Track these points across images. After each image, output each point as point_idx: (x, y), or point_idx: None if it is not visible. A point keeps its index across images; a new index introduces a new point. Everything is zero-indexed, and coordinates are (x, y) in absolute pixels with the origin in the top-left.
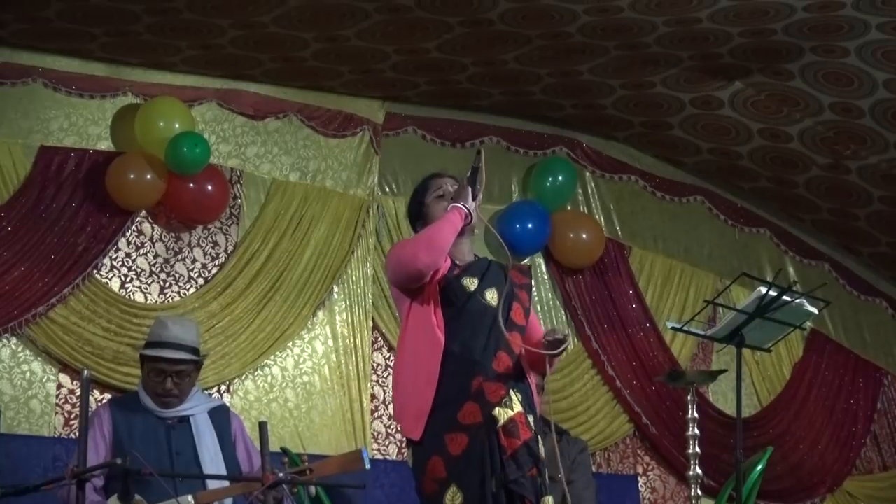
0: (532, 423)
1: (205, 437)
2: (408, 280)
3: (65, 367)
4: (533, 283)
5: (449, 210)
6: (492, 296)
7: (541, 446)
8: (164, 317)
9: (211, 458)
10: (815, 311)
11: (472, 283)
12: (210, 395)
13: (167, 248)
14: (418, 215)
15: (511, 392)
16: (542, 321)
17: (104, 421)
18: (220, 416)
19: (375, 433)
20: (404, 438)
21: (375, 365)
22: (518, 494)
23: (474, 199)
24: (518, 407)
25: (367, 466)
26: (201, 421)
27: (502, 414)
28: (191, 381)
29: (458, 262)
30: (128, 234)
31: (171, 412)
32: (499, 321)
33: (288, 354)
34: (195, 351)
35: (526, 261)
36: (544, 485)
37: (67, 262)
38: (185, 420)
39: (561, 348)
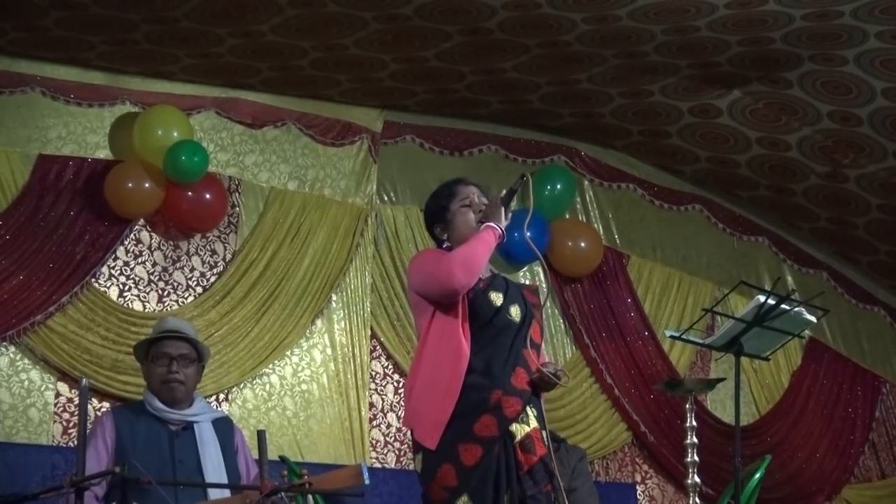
0: (546, 439)
1: (208, 447)
2: (441, 296)
3: (63, 376)
4: (542, 302)
5: (483, 230)
6: (516, 312)
7: (553, 462)
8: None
9: (213, 468)
10: (813, 319)
11: (498, 298)
12: (210, 403)
13: (165, 257)
14: (439, 219)
15: (527, 408)
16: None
17: (107, 429)
18: (224, 427)
19: (374, 441)
20: (412, 443)
21: (374, 373)
22: None
23: (506, 218)
24: (534, 423)
25: (367, 482)
26: (205, 429)
27: (519, 430)
28: (194, 373)
29: (481, 276)
30: (126, 243)
31: (176, 415)
32: (527, 339)
33: (286, 363)
34: (197, 342)
35: (524, 269)
36: (558, 500)
37: (66, 271)
38: (188, 428)
39: (560, 382)
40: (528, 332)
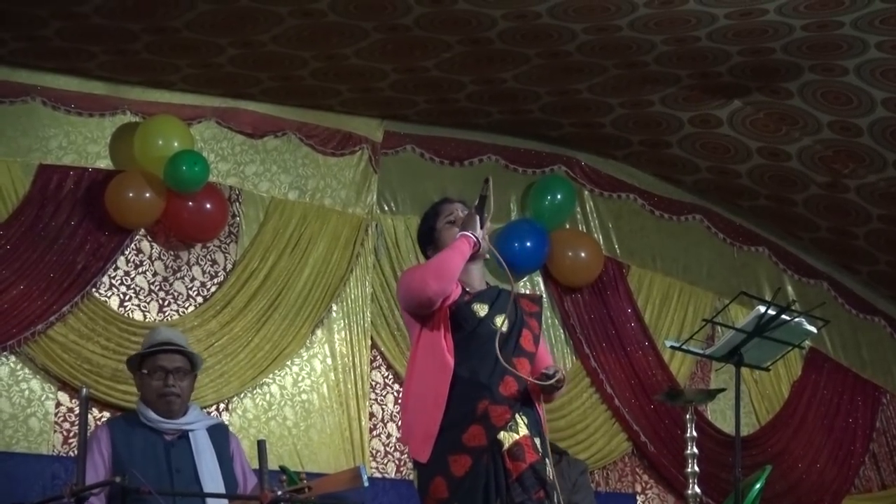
0: (539, 447)
1: (204, 455)
2: (418, 307)
3: (63, 385)
4: (542, 311)
5: (457, 238)
6: (501, 321)
7: (549, 469)
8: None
9: (210, 476)
10: (813, 330)
11: (482, 309)
12: (209, 413)
13: (166, 267)
14: (429, 240)
15: (517, 416)
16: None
17: (102, 441)
18: (219, 434)
19: (374, 451)
20: (410, 459)
21: (374, 383)
22: None
23: (482, 227)
24: (524, 430)
25: (366, 484)
26: (200, 437)
27: (507, 437)
28: (189, 384)
29: (468, 290)
30: (127, 253)
31: (172, 425)
32: (498, 355)
33: (287, 373)
34: (191, 354)
35: (524, 279)
36: None
37: (66, 281)
38: (184, 437)
39: (547, 382)
40: (517, 341)
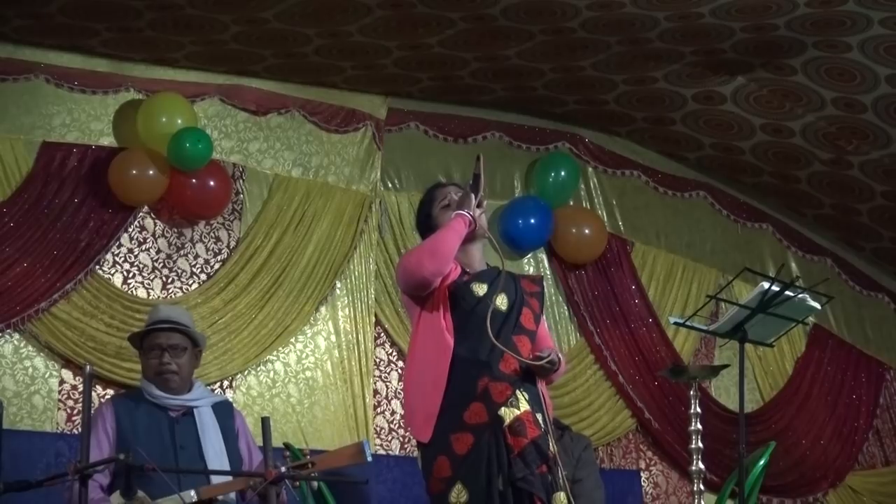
0: (541, 422)
1: (209, 431)
2: (415, 287)
3: (67, 363)
4: (544, 291)
5: (452, 218)
6: (501, 300)
7: (552, 444)
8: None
9: (215, 453)
10: (817, 306)
11: (481, 289)
12: (213, 390)
13: (169, 244)
14: (426, 227)
15: (518, 392)
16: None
17: (107, 418)
18: (224, 411)
19: (378, 428)
20: (414, 440)
21: (378, 360)
22: (527, 492)
23: (479, 205)
24: (525, 406)
25: (369, 459)
26: (205, 414)
27: (508, 413)
28: (189, 360)
29: (468, 270)
30: (130, 230)
31: (175, 401)
32: (488, 332)
33: (290, 350)
34: (188, 330)
35: (528, 256)
36: (555, 481)
37: (70, 258)
38: (188, 413)
39: (538, 363)
40: (517, 319)
